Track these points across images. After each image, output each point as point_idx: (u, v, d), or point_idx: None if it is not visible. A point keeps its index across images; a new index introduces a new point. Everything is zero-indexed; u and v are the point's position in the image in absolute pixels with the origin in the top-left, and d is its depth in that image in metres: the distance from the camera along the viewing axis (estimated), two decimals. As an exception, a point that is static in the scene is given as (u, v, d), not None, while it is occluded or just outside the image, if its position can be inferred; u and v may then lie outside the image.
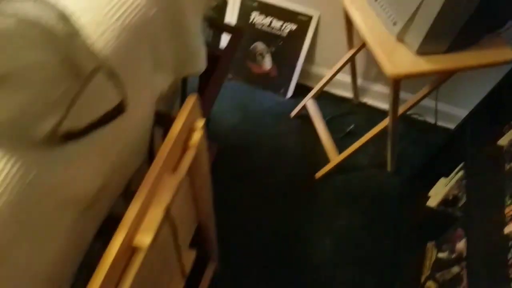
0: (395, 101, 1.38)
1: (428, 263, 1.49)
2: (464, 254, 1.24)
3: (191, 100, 0.71)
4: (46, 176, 0.52)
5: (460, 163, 1.52)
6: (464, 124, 1.42)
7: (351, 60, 1.72)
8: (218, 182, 1.13)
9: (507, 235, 1.03)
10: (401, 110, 1.47)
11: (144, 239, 0.62)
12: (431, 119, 1.94)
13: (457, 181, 1.50)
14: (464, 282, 1.19)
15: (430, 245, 1.54)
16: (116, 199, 0.78)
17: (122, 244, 0.58)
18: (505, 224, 1.05)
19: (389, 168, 1.77)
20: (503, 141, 1.20)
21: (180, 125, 0.69)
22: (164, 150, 0.67)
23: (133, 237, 0.62)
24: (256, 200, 1.64)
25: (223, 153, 1.70)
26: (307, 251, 1.55)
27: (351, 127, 1.85)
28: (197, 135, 0.72)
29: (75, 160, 0.57)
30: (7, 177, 0.47)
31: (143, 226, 0.63)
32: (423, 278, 1.47)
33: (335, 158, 1.64)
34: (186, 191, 0.88)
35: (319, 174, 1.70)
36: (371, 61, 1.81)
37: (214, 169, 1.05)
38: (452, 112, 1.88)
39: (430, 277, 1.43)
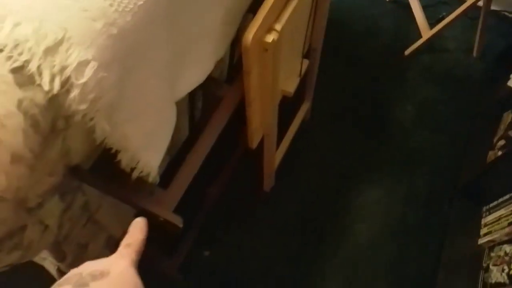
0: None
1: (503, 127, 1.66)
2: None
3: None
4: None
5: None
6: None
7: None
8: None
9: None
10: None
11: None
12: (522, 18, 2.04)
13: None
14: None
15: (506, 113, 1.70)
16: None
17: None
18: None
19: (475, 53, 1.92)
20: None
21: None
22: None
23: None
24: (349, 69, 1.87)
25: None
26: (390, 113, 1.78)
27: (443, 14, 2.00)
28: None
29: None
30: None
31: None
32: (495, 139, 1.65)
33: (426, 33, 1.82)
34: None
35: (409, 50, 1.89)
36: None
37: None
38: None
39: (502, 136, 1.60)
